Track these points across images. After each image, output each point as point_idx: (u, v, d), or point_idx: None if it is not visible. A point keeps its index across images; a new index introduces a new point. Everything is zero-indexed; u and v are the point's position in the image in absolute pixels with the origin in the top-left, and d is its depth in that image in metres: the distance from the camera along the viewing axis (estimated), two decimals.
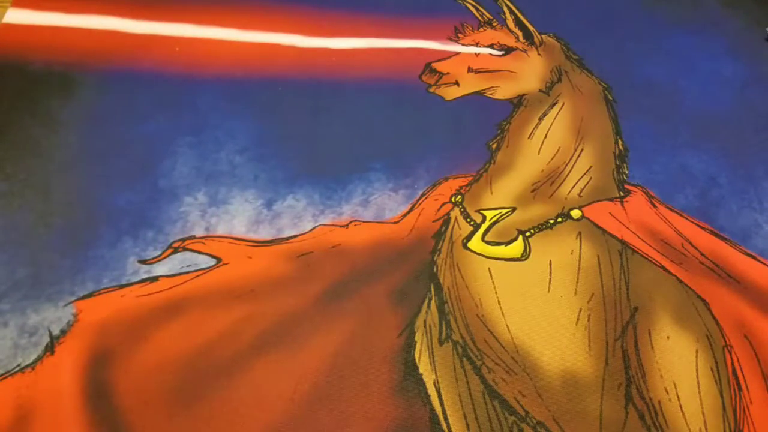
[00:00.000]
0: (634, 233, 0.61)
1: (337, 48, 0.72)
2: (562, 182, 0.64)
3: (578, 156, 0.66)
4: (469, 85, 0.71)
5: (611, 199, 0.63)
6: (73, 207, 0.58)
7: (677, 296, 0.57)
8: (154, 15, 0.72)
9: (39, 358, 0.49)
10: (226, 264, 0.56)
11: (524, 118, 0.69)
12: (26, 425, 0.46)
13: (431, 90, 0.71)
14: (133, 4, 0.72)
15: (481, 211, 0.61)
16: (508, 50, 0.75)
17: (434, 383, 0.50)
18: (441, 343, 0.53)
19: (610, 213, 0.62)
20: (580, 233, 0.60)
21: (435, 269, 0.57)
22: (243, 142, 0.64)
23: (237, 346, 0.51)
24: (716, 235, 0.62)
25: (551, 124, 0.68)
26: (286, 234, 0.58)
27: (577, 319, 0.54)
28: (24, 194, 0.58)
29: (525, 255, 0.58)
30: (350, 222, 0.59)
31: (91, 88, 0.66)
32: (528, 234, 0.59)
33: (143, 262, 0.55)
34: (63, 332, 0.51)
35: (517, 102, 0.71)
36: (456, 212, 0.61)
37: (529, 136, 0.67)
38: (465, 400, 0.50)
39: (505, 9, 0.79)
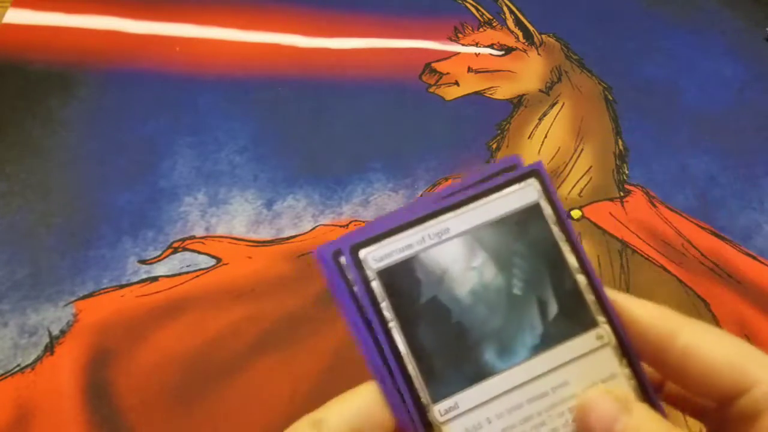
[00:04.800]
0: (634, 233, 0.61)
1: (336, 48, 0.72)
2: (562, 182, 0.64)
3: (578, 156, 0.66)
4: (469, 85, 0.71)
5: (611, 199, 0.63)
6: (72, 207, 0.57)
7: (677, 296, 0.57)
8: (154, 15, 0.72)
9: (39, 358, 0.49)
10: (226, 264, 0.56)
11: (524, 118, 0.69)
12: (26, 425, 0.46)
13: (431, 90, 0.71)
14: (133, 4, 0.72)
15: None
16: (508, 50, 0.75)
17: None
18: None
19: (610, 213, 0.62)
20: (579, 233, 0.60)
21: None
22: (243, 142, 0.63)
23: (237, 346, 0.51)
24: (716, 235, 0.62)
25: (551, 124, 0.68)
26: (286, 234, 0.58)
27: None
28: (24, 194, 0.58)
29: None
30: (350, 222, 0.59)
31: (91, 88, 0.66)
32: None
33: (143, 262, 0.55)
34: (63, 332, 0.51)
35: (517, 102, 0.70)
36: None
37: (529, 136, 0.67)
38: None
39: (505, 9, 0.79)
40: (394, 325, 0.22)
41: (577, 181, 0.64)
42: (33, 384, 0.48)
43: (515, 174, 0.24)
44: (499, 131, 0.68)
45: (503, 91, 0.71)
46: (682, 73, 0.76)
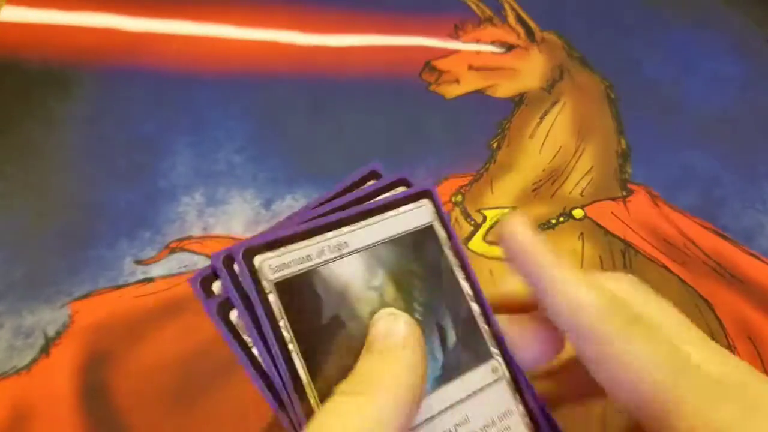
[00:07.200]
0: (636, 233, 0.60)
1: (336, 45, 0.72)
2: (564, 181, 0.63)
3: (580, 155, 0.66)
4: (470, 83, 0.71)
5: (614, 199, 0.63)
6: (69, 207, 0.57)
7: (680, 297, 0.56)
8: (151, 12, 0.71)
9: (34, 360, 0.49)
10: None
11: (525, 117, 0.68)
12: (22, 427, 0.46)
13: (431, 88, 0.70)
14: (130, 1, 0.72)
15: (482, 211, 0.60)
16: (509, 48, 0.74)
17: None
18: None
19: (612, 212, 0.61)
20: (582, 233, 0.59)
21: None
22: (241, 141, 0.63)
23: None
24: (720, 234, 0.61)
25: (553, 123, 0.68)
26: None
27: None
28: (21, 194, 0.57)
29: None
30: None
31: (88, 87, 0.65)
32: None
33: (140, 262, 0.54)
34: (59, 333, 0.50)
35: (519, 100, 0.70)
36: (456, 212, 0.60)
37: (531, 135, 0.67)
38: None
39: (506, 6, 0.78)
40: (293, 348, 0.19)
41: (579, 180, 0.63)
42: (29, 386, 0.48)
43: (408, 193, 0.23)
44: (500, 130, 0.67)
45: (504, 89, 0.71)
46: (685, 71, 0.75)
